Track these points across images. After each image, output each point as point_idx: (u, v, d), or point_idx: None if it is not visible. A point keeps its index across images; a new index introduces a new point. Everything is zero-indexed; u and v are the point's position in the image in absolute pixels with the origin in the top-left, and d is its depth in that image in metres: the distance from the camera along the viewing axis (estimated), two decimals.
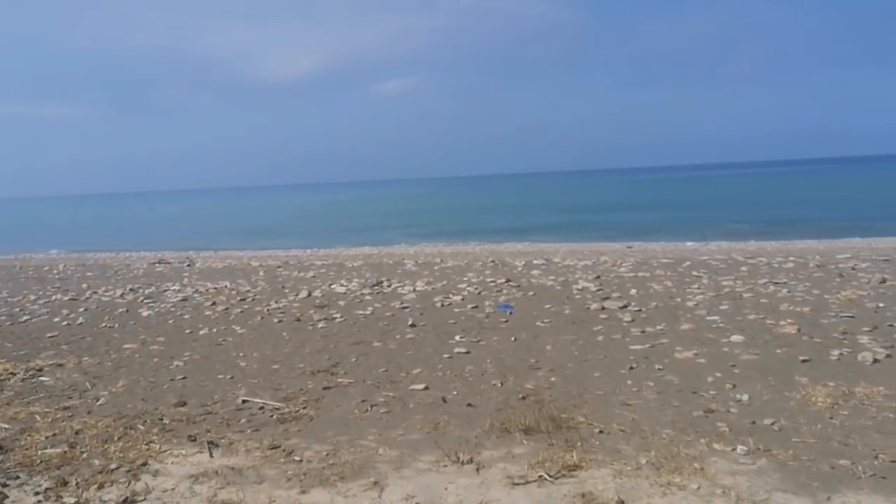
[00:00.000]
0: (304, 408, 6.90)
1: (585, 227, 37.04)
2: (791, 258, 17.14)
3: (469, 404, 6.74)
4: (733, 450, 5.36)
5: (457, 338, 9.59)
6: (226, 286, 15.77)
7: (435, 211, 62.46)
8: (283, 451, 5.77)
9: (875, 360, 7.52)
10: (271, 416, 6.71)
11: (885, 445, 5.32)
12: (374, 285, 14.68)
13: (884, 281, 12.39)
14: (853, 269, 14.46)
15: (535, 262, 18.78)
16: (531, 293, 12.90)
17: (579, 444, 5.58)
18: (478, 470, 5.20)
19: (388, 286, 14.57)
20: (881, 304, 10.38)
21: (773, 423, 5.88)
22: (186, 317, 12.12)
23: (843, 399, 6.37)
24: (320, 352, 9.21)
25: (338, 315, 11.55)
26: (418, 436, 6.02)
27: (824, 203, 47.63)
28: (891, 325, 9.05)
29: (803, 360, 7.67)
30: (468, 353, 8.78)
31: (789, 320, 9.58)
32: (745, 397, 6.58)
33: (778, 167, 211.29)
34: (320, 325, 10.89)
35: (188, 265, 22.03)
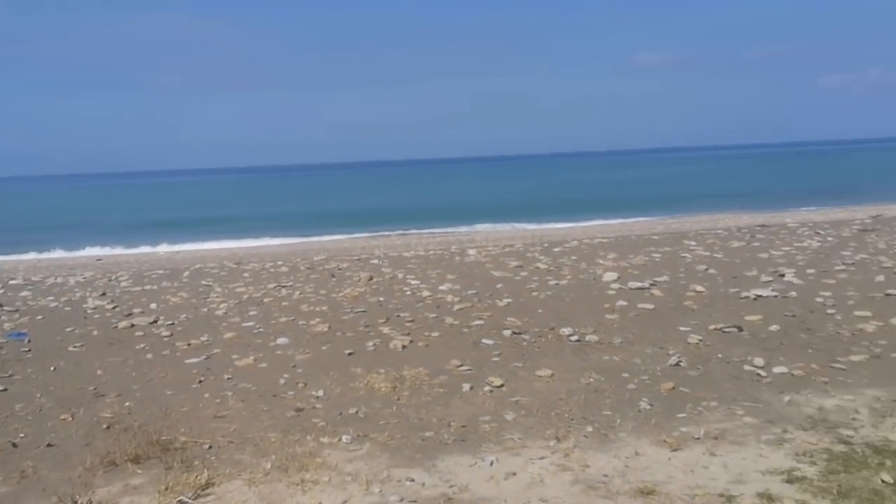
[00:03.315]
0: None
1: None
2: (280, 262, 18.51)
3: (49, 444, 6.14)
4: (339, 440, 6.01)
5: None
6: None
7: None
8: None
9: (404, 347, 8.92)
10: None
11: (449, 415, 6.54)
12: None
13: (371, 278, 14.38)
14: (339, 269, 16.35)
15: (11, 282, 16.85)
16: (39, 317, 11.75)
17: (196, 462, 5.62)
18: None
19: None
20: (381, 299, 12.12)
21: (356, 412, 6.69)
22: None
23: (399, 382, 7.50)
24: None
25: None
26: (7, 488, 5.33)
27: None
28: (398, 315, 10.69)
29: (349, 354, 8.71)
30: (5, 389, 7.79)
31: (318, 319, 10.62)
32: (321, 392, 7.29)
33: (203, 175, 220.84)
34: None
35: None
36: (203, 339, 9.79)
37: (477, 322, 10.10)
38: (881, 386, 6.91)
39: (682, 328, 9.30)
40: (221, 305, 12.09)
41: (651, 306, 10.60)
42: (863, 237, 17.25)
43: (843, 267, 13.01)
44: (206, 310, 11.82)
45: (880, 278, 11.74)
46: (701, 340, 8.66)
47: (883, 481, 4.89)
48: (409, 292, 12.69)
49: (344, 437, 6.04)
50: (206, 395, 7.35)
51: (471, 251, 18.87)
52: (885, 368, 7.44)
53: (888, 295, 10.52)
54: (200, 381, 7.85)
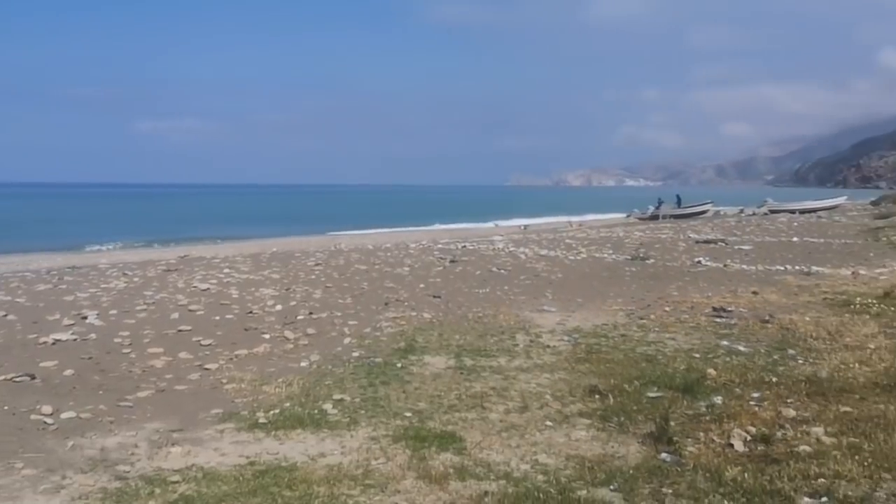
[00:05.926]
0: None
1: None
2: None
3: None
4: None
5: None
6: None
7: None
8: None
9: None
10: None
11: None
12: None
13: None
14: None
15: None
16: None
17: None
18: None
19: None
20: None
21: None
22: None
23: None
24: None
25: None
26: None
27: None
28: None
29: None
30: None
31: None
32: None
33: None
34: None
35: None
36: None
37: None
38: (162, 418, 7.48)
39: None
40: None
41: None
42: (166, 277, 18.36)
43: (145, 306, 13.66)
44: None
45: (175, 315, 12.70)
46: None
47: None
48: None
49: None
50: None
51: None
52: (168, 401, 8.09)
53: (180, 331, 11.45)
54: None
